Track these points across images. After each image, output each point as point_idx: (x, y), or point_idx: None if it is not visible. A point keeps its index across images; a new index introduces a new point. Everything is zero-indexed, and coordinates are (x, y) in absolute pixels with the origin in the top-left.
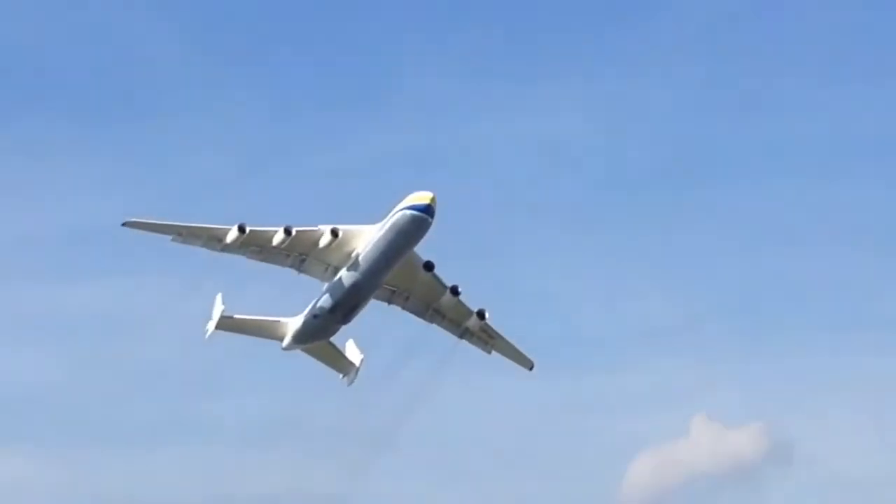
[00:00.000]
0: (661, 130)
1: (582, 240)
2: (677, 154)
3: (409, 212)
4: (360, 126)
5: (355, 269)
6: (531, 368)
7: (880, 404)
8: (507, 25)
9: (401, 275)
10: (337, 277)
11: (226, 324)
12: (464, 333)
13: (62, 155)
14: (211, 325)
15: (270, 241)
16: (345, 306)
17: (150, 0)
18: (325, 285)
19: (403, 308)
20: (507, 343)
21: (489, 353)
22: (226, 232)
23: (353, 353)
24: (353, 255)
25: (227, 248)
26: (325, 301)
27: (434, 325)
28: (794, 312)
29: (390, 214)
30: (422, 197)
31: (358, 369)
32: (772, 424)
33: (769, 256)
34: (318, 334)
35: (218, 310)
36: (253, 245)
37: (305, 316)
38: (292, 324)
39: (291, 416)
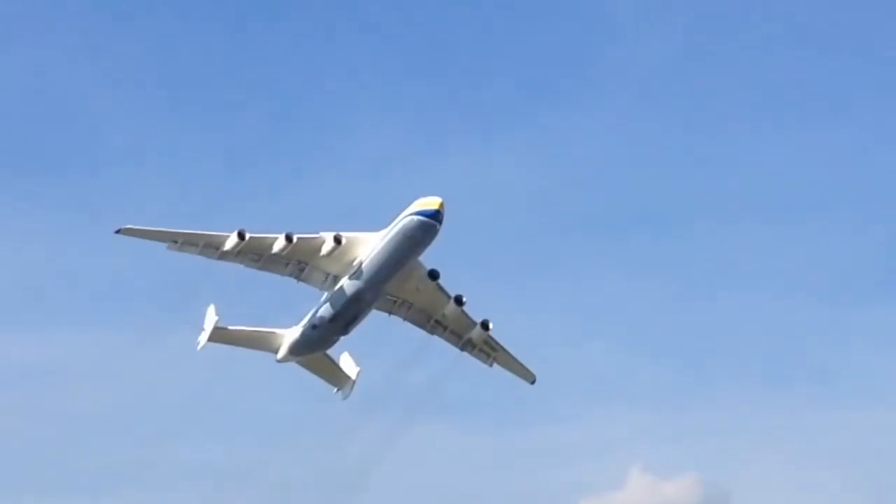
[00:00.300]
0: (606, 176)
1: (520, 285)
2: (618, 200)
3: (416, 217)
4: (314, 173)
5: (358, 278)
6: (533, 382)
7: (814, 457)
8: (456, 73)
9: (404, 284)
10: (338, 286)
11: (219, 335)
12: (465, 345)
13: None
14: (203, 337)
15: (270, 248)
16: (346, 316)
17: (95, 48)
18: (325, 294)
19: (405, 319)
20: (510, 356)
21: (490, 365)
22: (224, 239)
23: (348, 366)
24: (356, 262)
25: (225, 256)
26: (325, 311)
27: (435, 337)
28: (731, 362)
29: (396, 220)
30: (430, 202)
31: (354, 383)
32: (707, 475)
33: (707, 305)
34: (316, 345)
35: (211, 321)
36: (252, 252)
37: (304, 326)
38: (289, 335)
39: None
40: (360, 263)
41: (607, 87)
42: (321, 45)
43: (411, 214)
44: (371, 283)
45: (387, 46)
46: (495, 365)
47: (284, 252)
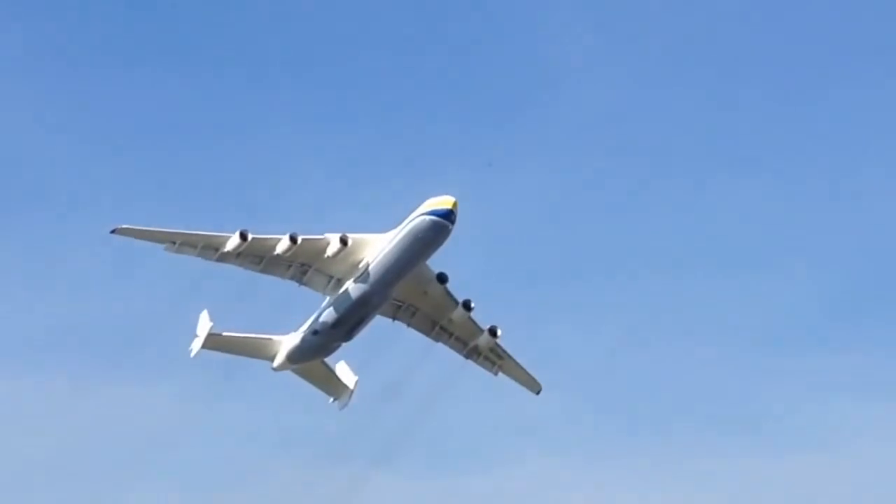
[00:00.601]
0: (539, 226)
1: None
2: (553, 250)
3: (428, 217)
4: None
5: (364, 280)
6: (538, 392)
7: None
8: (389, 121)
9: (410, 288)
10: (342, 289)
11: (213, 342)
12: (471, 353)
13: None
14: (197, 344)
15: (273, 249)
16: (349, 321)
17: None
18: (327, 299)
19: (409, 325)
20: (516, 364)
21: (496, 374)
22: (225, 240)
23: (346, 374)
24: (362, 265)
25: (225, 258)
26: (328, 315)
27: (440, 344)
28: (665, 410)
29: (406, 221)
30: (443, 202)
31: (352, 392)
32: None
33: (648, 354)
34: (315, 352)
35: (205, 327)
36: (254, 254)
37: (304, 332)
38: (287, 341)
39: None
40: (367, 266)
41: (545, 136)
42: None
43: (422, 214)
44: (378, 286)
45: (321, 94)
46: (500, 374)
47: (287, 254)
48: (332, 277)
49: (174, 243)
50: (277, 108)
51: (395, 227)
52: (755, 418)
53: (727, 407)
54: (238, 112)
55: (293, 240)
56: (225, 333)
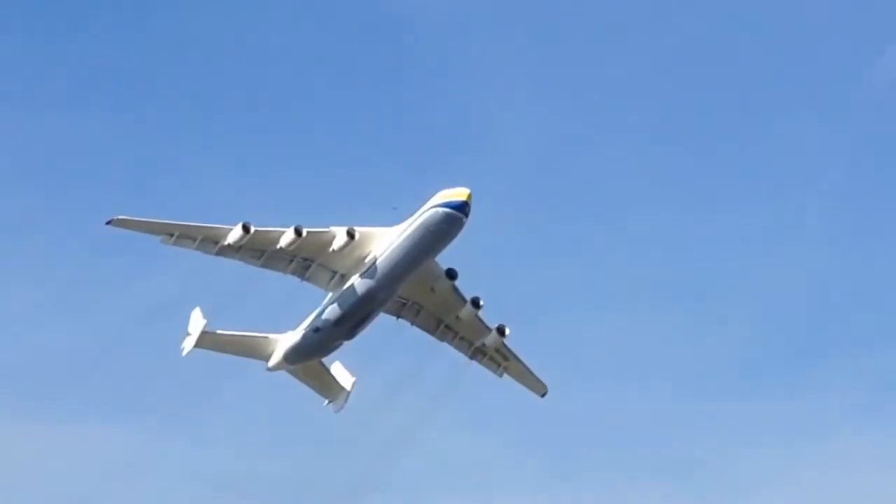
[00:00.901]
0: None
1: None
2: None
3: (441, 209)
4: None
5: (370, 276)
6: (544, 395)
7: None
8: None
9: (417, 284)
10: (347, 285)
11: (207, 341)
12: (476, 353)
13: None
14: (189, 343)
15: (276, 242)
16: (353, 318)
17: None
18: (330, 295)
19: (413, 323)
20: (522, 365)
21: (500, 375)
22: (226, 232)
23: (342, 376)
24: (368, 259)
25: (224, 252)
26: (331, 312)
27: (444, 344)
28: (590, 455)
29: (417, 213)
30: (457, 193)
31: (349, 394)
32: None
33: (567, 395)
34: (315, 351)
35: (198, 325)
36: (255, 248)
37: (305, 330)
38: (285, 340)
39: None
40: (374, 260)
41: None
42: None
43: (435, 206)
44: (385, 281)
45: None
46: (505, 375)
47: (291, 247)
48: (335, 273)
49: (171, 235)
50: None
51: (404, 220)
52: (685, 464)
53: (657, 452)
54: None
55: (298, 232)
56: (220, 332)
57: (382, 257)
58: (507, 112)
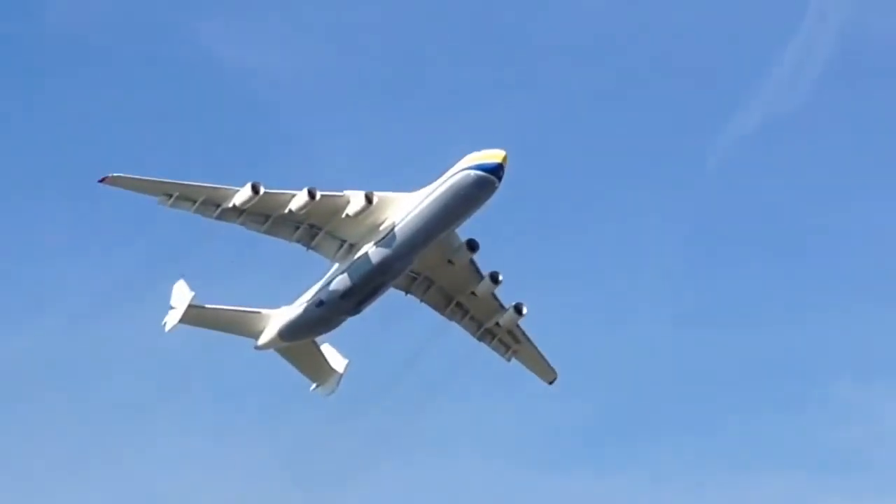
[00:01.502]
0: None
1: None
2: None
3: (473, 172)
4: None
5: (387, 244)
6: (552, 382)
7: None
8: None
9: (433, 256)
10: (360, 254)
11: (193, 316)
12: (485, 335)
13: None
14: (174, 318)
15: (285, 206)
16: (363, 291)
17: None
18: (336, 266)
19: (422, 300)
20: (534, 349)
21: (508, 360)
22: (232, 193)
23: (333, 357)
24: (385, 226)
25: (226, 215)
26: (339, 283)
27: (452, 324)
28: None
29: (445, 177)
30: (492, 155)
31: (340, 377)
32: None
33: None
34: (314, 327)
35: (184, 298)
36: (261, 211)
37: (307, 303)
38: (281, 315)
39: None
40: (392, 227)
41: None
42: None
43: (466, 169)
44: (403, 250)
45: None
46: (514, 360)
47: (302, 211)
48: (344, 242)
49: (170, 196)
50: None
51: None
52: None
53: None
54: None
55: (311, 195)
56: (208, 306)
57: (402, 224)
58: None
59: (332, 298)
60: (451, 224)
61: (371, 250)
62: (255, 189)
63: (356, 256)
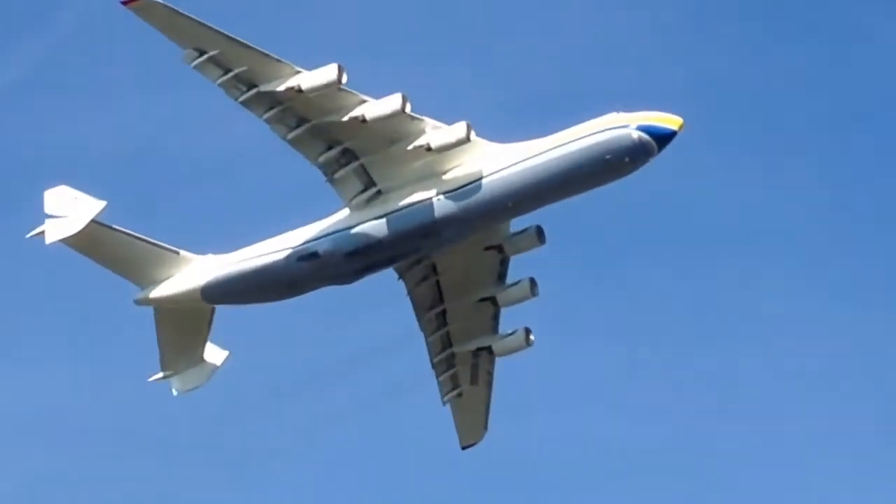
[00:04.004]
0: None
1: None
2: None
3: (638, 133)
4: None
5: (461, 198)
6: (469, 446)
7: None
8: None
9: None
10: (410, 201)
11: (88, 236)
12: (443, 362)
13: None
14: (63, 229)
15: (346, 111)
16: (388, 251)
17: None
18: (346, 213)
19: (410, 291)
20: (485, 397)
21: (444, 402)
22: (293, 72)
23: (210, 348)
24: (465, 176)
25: (255, 101)
26: (367, 231)
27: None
28: None
29: (578, 132)
30: (666, 119)
31: (214, 371)
32: None
33: None
34: (269, 290)
35: (85, 207)
36: (304, 111)
37: (290, 251)
38: (218, 264)
39: None
40: (478, 178)
41: None
42: None
43: (627, 128)
44: (483, 210)
45: None
46: (451, 403)
47: (363, 126)
48: (374, 185)
49: (202, 53)
50: None
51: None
52: None
53: None
54: None
55: (405, 103)
56: (117, 227)
57: (495, 176)
58: None
59: (335, 253)
60: (565, 193)
61: (436, 200)
62: (341, 71)
63: (405, 203)
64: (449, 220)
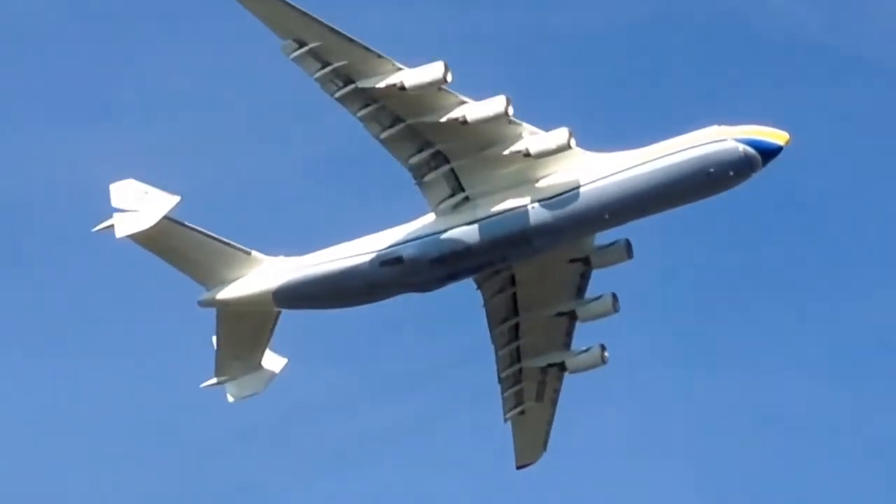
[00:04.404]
0: None
1: None
2: None
3: (744, 146)
4: None
5: (557, 206)
6: (525, 465)
7: None
8: None
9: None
10: (505, 207)
11: (162, 231)
12: (511, 377)
13: None
14: (134, 223)
15: (446, 112)
16: (476, 258)
17: None
18: (432, 218)
19: (486, 302)
20: (549, 416)
21: (506, 419)
22: (393, 69)
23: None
24: (561, 184)
25: (351, 97)
26: (455, 236)
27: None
28: None
29: (679, 144)
30: (773, 134)
31: (271, 379)
32: None
33: None
34: (343, 296)
35: (163, 205)
36: (402, 109)
37: (374, 256)
38: (291, 266)
39: None
40: (575, 187)
41: None
42: None
43: (735, 140)
44: (578, 220)
45: None
46: (513, 421)
47: (461, 128)
48: (461, 190)
49: (302, 45)
50: None
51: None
52: None
53: None
54: None
55: (508, 107)
56: (189, 224)
57: (592, 186)
58: None
59: (420, 259)
60: (663, 206)
61: (531, 207)
62: (445, 72)
63: (498, 209)
64: (542, 229)
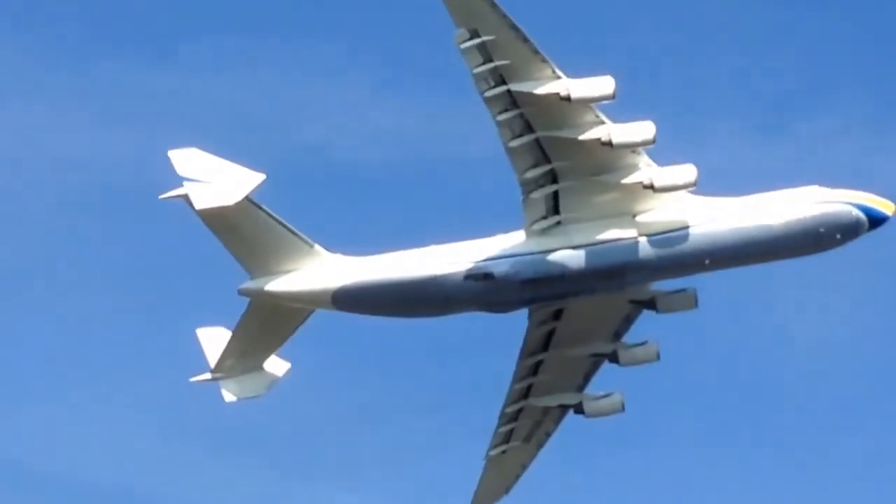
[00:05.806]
0: None
1: None
2: None
3: (857, 212)
4: None
5: (664, 245)
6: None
7: None
8: None
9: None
10: (612, 236)
11: (236, 210)
12: (513, 414)
13: None
14: (218, 197)
15: (589, 128)
16: (565, 285)
17: None
18: (523, 238)
19: (528, 333)
20: (530, 459)
21: (486, 457)
22: (553, 77)
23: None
24: (670, 222)
25: (497, 100)
26: (558, 259)
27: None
28: None
29: (788, 199)
30: (882, 203)
31: (273, 382)
32: None
33: None
34: (415, 305)
35: (248, 183)
36: (551, 118)
37: (467, 268)
38: (362, 266)
39: None
40: (684, 227)
41: None
42: None
43: (850, 204)
44: (676, 260)
45: None
46: (496, 459)
47: (601, 146)
48: (555, 213)
49: (475, 36)
50: None
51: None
52: None
53: None
54: None
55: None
56: (266, 208)
57: (702, 229)
58: None
59: (512, 278)
60: (764, 259)
61: (642, 242)
62: (615, 88)
63: (603, 238)
64: (644, 265)
